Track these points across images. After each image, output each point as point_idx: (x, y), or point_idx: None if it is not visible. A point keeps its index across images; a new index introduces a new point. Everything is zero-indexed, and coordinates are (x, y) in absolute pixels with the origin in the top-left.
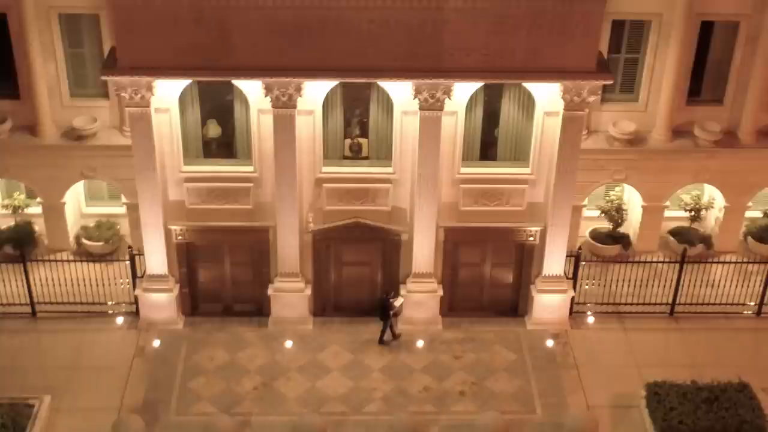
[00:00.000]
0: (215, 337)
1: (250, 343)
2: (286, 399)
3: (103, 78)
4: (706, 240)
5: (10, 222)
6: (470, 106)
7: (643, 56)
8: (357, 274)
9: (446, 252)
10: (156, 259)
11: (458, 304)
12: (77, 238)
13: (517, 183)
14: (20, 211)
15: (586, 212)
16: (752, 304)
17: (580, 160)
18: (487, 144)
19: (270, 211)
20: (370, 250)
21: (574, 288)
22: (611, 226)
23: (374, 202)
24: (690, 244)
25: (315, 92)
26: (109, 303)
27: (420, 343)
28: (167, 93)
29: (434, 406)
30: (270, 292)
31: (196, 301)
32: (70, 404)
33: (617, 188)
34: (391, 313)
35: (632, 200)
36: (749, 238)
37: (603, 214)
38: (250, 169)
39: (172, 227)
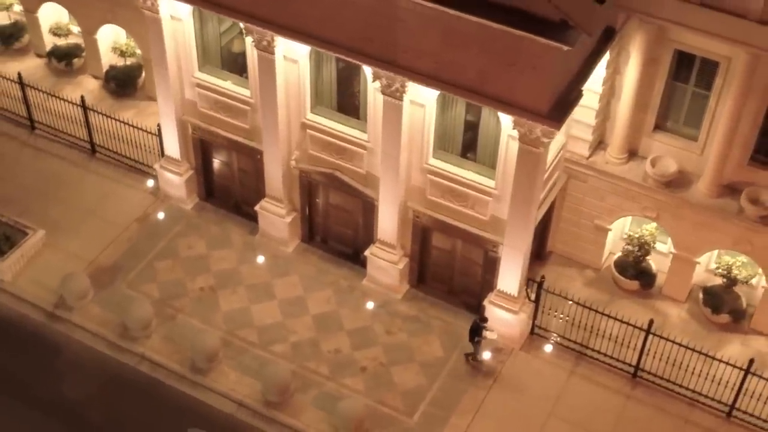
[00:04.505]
0: (207, 228)
1: (230, 246)
2: (217, 310)
3: None
4: (738, 312)
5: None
6: (452, 100)
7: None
8: (342, 217)
9: (416, 230)
10: (171, 143)
11: (429, 281)
12: None
13: (482, 193)
14: (127, 56)
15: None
16: (724, 402)
17: (611, 183)
18: (467, 143)
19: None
20: (351, 203)
21: (536, 312)
22: (632, 260)
23: (351, 161)
24: (715, 310)
25: (296, 45)
26: (155, 164)
27: (370, 305)
28: (180, 5)
29: (329, 371)
30: (257, 208)
31: (210, 189)
32: (59, 243)
33: (652, 223)
34: (477, 339)
35: (666, 241)
36: None
37: (626, 245)
38: (248, 93)
39: (187, 121)
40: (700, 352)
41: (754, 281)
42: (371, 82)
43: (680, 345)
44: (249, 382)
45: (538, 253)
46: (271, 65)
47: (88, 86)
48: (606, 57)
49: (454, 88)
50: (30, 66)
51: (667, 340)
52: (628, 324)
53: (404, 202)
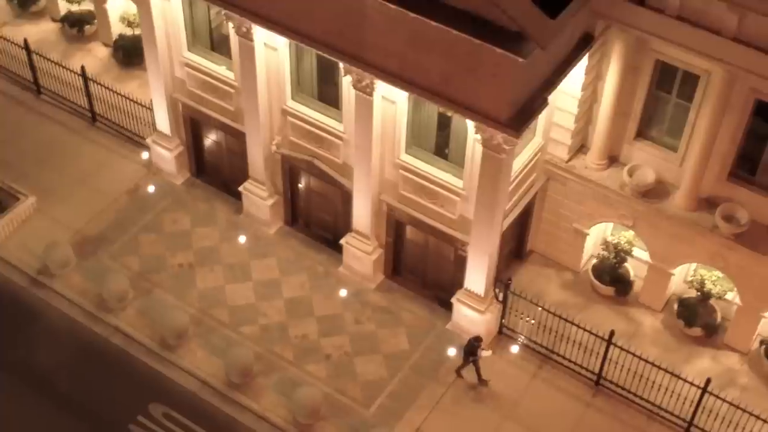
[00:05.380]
0: (194, 204)
1: (214, 224)
2: (192, 288)
3: None
4: (712, 326)
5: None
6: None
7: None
8: (323, 204)
9: (390, 222)
10: (161, 119)
11: (404, 273)
12: None
13: (451, 192)
14: (134, 27)
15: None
16: (682, 417)
17: (589, 188)
18: (441, 141)
19: None
20: (330, 190)
21: (504, 313)
22: (608, 266)
23: (329, 151)
24: (688, 323)
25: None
26: (147, 138)
27: (343, 293)
28: None
29: (293, 356)
30: (241, 189)
31: (201, 165)
32: (49, 210)
33: (630, 231)
34: (471, 359)
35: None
36: (763, 348)
37: (602, 251)
38: (232, 76)
39: (177, 99)
40: (654, 365)
41: (729, 296)
42: (342, 76)
43: (639, 357)
44: (215, 361)
45: (518, 252)
46: (250, 52)
47: (98, 54)
48: (585, 62)
49: (418, 89)
50: (44, 30)
51: (627, 351)
52: (590, 333)
53: (377, 195)
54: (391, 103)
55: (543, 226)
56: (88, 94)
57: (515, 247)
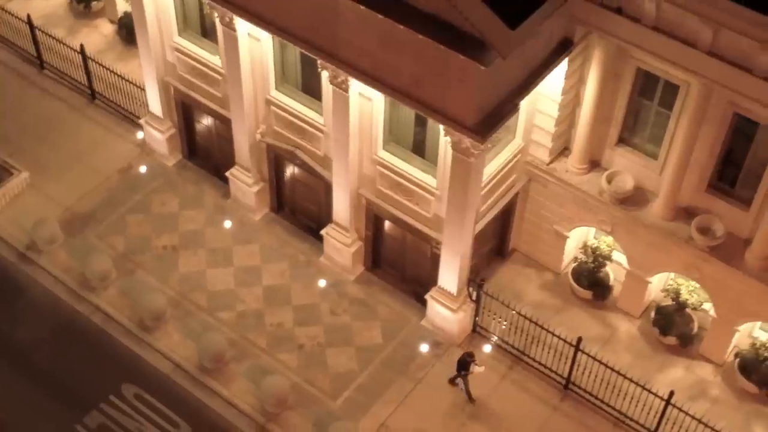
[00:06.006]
0: (184, 187)
1: (202, 207)
2: (174, 270)
3: None
4: (687, 336)
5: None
6: None
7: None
8: (307, 193)
9: (369, 216)
10: (153, 101)
11: (383, 266)
12: None
13: (425, 191)
14: None
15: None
16: (647, 427)
17: (570, 192)
18: (419, 139)
19: None
20: (313, 180)
21: (477, 312)
22: (587, 270)
23: (311, 142)
24: (663, 332)
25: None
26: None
27: (322, 283)
28: None
29: (267, 344)
30: (228, 174)
31: (193, 148)
32: (42, 186)
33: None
34: (463, 373)
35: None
36: (737, 361)
37: (581, 254)
38: (219, 63)
39: (169, 82)
40: (620, 374)
41: (706, 306)
42: (320, 71)
43: (605, 365)
44: (189, 345)
45: (499, 250)
46: (234, 41)
47: (104, 30)
48: (564, 67)
49: (389, 90)
50: (53, 4)
51: (593, 358)
52: (559, 338)
53: (356, 189)
54: (368, 99)
55: (525, 226)
56: (88, 72)
57: (497, 245)
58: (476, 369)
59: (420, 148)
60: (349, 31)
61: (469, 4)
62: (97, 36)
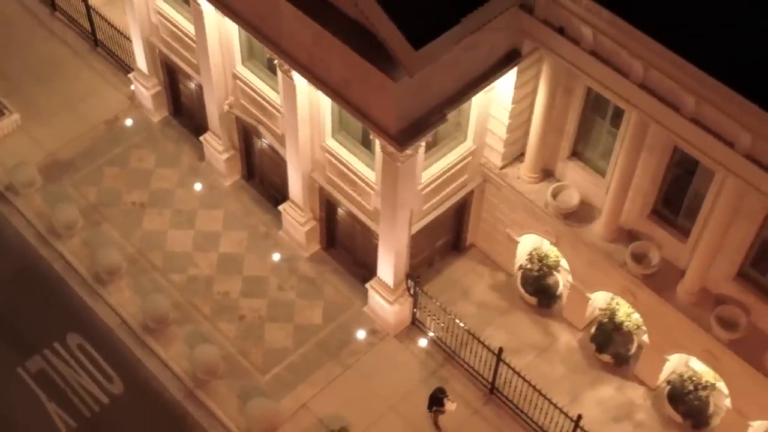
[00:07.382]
0: (164, 144)
1: (177, 167)
2: (138, 227)
3: None
4: (622, 356)
5: None
6: None
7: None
8: (272, 165)
9: (322, 198)
10: (140, 58)
11: (338, 247)
12: None
13: (366, 184)
14: None
15: None
16: None
17: (518, 197)
18: (366, 131)
19: None
20: (276, 155)
21: (415, 306)
22: (533, 276)
23: (271, 120)
24: (599, 349)
25: None
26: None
27: (276, 257)
28: None
29: (210, 311)
30: (201, 138)
31: (179, 106)
32: (30, 129)
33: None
34: (435, 408)
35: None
36: (668, 389)
37: (527, 261)
38: (193, 31)
39: (153, 42)
40: (535, 388)
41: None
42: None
43: (523, 379)
44: (138, 303)
45: (456, 245)
46: (199, 15)
47: None
48: (513, 77)
49: (323, 86)
50: None
51: (514, 371)
52: (483, 344)
53: (309, 172)
54: (315, 89)
55: (482, 224)
56: (91, 20)
57: (452, 240)
58: (448, 405)
59: (368, 141)
60: (288, 25)
61: (378, 20)
62: None
